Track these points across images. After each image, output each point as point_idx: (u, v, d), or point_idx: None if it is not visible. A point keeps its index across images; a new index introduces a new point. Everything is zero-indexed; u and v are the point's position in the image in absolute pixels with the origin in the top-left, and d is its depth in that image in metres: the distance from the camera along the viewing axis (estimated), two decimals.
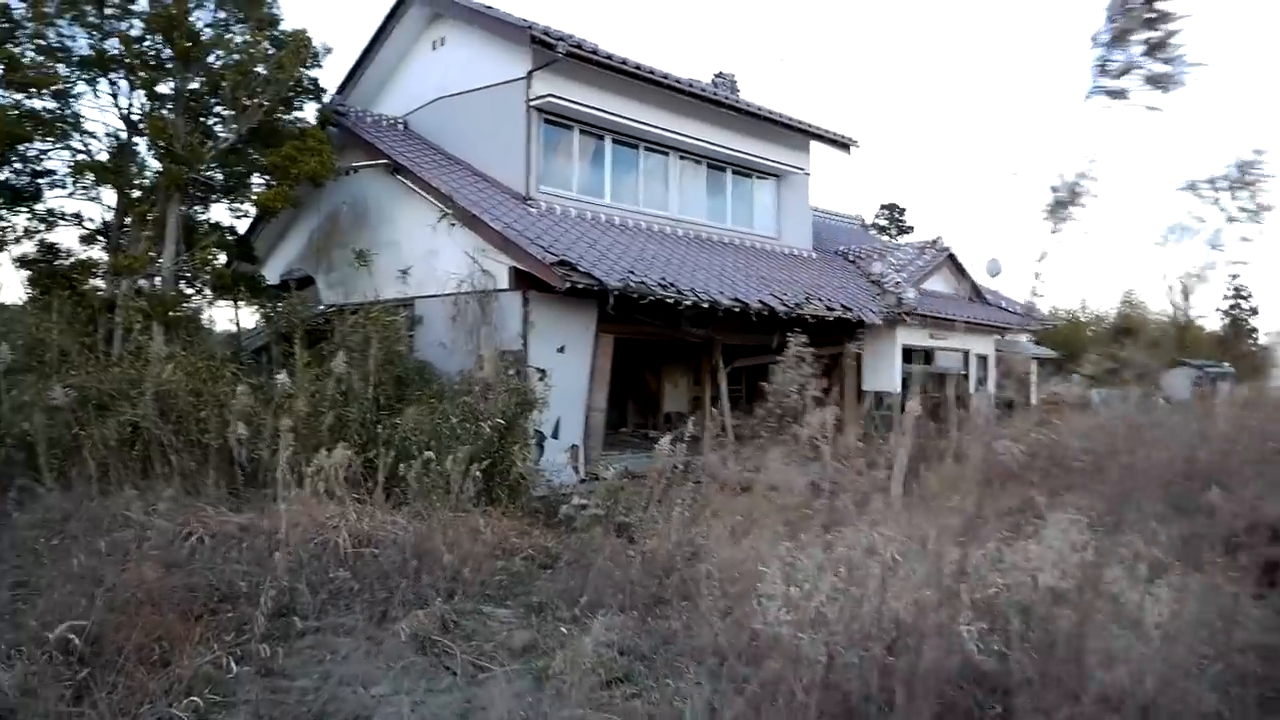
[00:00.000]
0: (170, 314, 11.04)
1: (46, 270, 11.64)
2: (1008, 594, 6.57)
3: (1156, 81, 2.04)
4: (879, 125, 77.04)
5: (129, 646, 4.18)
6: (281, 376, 8.36)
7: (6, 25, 10.77)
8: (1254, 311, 52.86)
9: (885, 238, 35.16)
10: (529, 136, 13.13)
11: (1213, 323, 52.82)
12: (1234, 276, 50.99)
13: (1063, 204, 2.14)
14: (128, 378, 9.26)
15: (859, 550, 6.93)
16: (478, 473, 8.48)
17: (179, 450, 9.03)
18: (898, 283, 16.11)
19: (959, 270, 18.78)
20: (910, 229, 49.11)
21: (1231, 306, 52.96)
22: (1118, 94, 2.10)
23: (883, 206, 50.42)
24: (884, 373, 15.94)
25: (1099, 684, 4.52)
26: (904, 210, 50.96)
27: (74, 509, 7.64)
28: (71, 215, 11.95)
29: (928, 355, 16.93)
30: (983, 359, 18.11)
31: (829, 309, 13.85)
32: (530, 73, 12.93)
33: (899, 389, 15.83)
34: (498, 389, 10.22)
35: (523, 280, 11.15)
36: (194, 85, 11.42)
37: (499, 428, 9.64)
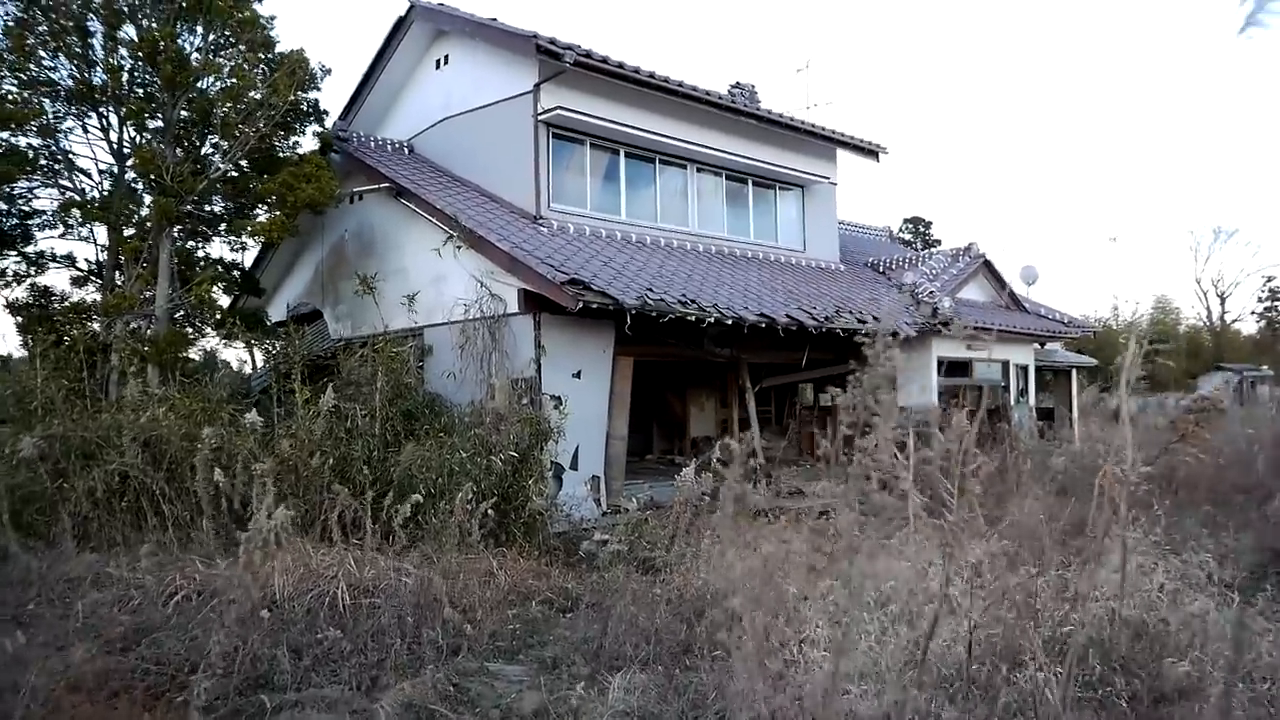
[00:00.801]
0: (165, 355, 10.48)
1: (39, 315, 11.15)
2: (1080, 629, 5.74)
3: None
4: (902, 137, 76.25)
5: None
6: (250, 415, 7.70)
7: None
8: None
9: (912, 252, 34.28)
10: (538, 152, 12.52)
11: (1249, 325, 51.50)
12: (1269, 279, 49.97)
13: None
14: (114, 424, 8.69)
15: (909, 583, 6.14)
16: (489, 510, 7.78)
17: (171, 500, 8.41)
18: (931, 292, 15.29)
19: (995, 277, 17.91)
20: (937, 242, 48.17)
21: (1267, 309, 51.57)
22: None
23: (906, 220, 49.50)
24: (920, 387, 15.09)
25: None
26: (930, 223, 50.02)
27: (49, 569, 7.04)
28: (63, 257, 11.47)
29: (965, 367, 16.06)
30: (1023, 369, 17.21)
31: (860, 322, 13.06)
32: (537, 85, 12.35)
33: (936, 403, 14.97)
34: (510, 420, 9.55)
35: (533, 303, 10.49)
36: (184, 113, 10.93)
37: (512, 461, 8.95)
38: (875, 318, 13.46)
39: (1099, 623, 5.60)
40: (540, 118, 12.47)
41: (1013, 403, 16.51)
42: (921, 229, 49.81)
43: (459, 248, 11.16)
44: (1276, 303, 51.87)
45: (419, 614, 6.41)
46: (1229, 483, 10.99)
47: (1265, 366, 40.60)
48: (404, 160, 13.84)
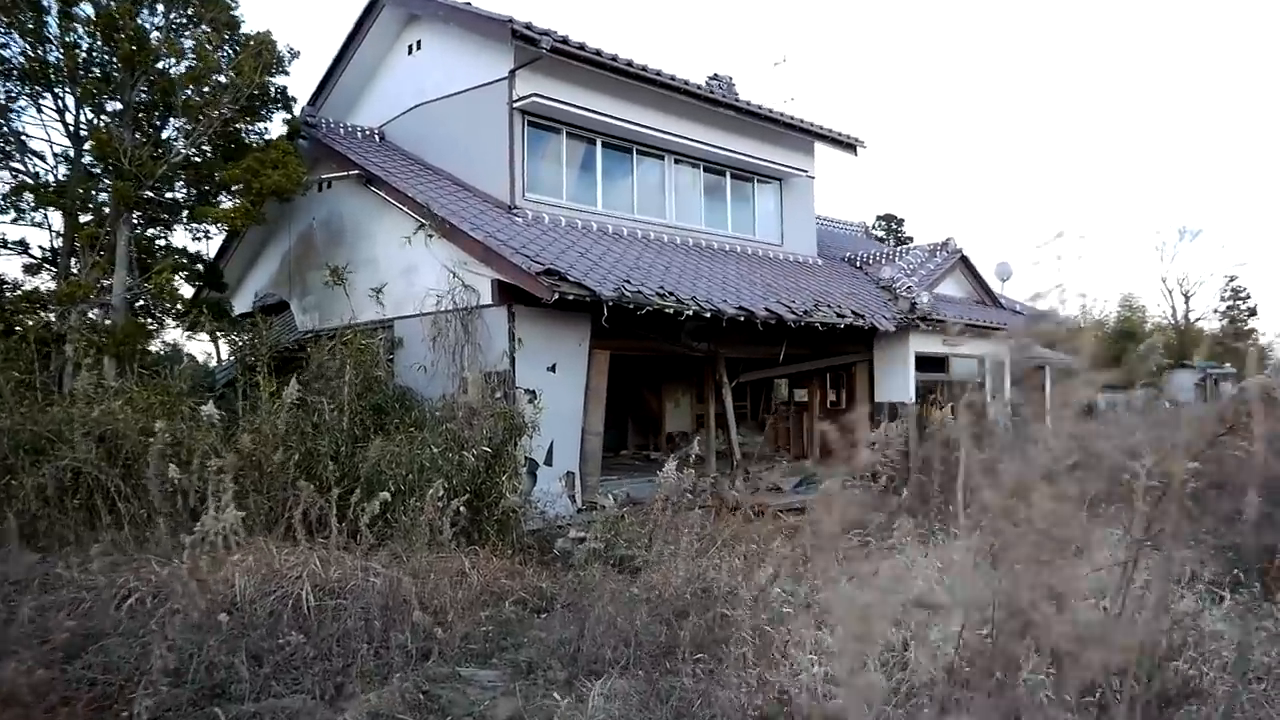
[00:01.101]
0: (123, 346, 10.06)
1: None
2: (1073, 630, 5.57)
3: None
4: (874, 134, 76.38)
5: None
6: (208, 409, 7.35)
7: None
8: (1252, 312, 52.31)
9: (888, 247, 34.23)
10: (513, 141, 12.20)
11: (1212, 324, 52.27)
12: (1231, 278, 50.79)
13: None
14: (66, 418, 8.29)
15: (891, 582, 5.93)
16: (461, 508, 7.49)
17: (127, 497, 8.02)
18: (909, 287, 15.16)
19: (972, 273, 17.82)
20: (909, 239, 48.25)
21: (1229, 307, 52.36)
22: None
23: (879, 217, 49.55)
24: (897, 382, 14.96)
25: None
26: (902, 220, 50.11)
27: None
28: (15, 243, 10.99)
29: (942, 363, 15.94)
30: (999, 365, 17.12)
31: (840, 316, 12.89)
32: (512, 72, 12.02)
33: (914, 399, 14.86)
34: (483, 414, 9.25)
35: (507, 294, 10.19)
36: (143, 95, 10.50)
37: (485, 457, 8.66)
38: (855, 312, 13.30)
39: (1090, 624, 5.46)
40: (515, 105, 12.15)
41: (989, 399, 16.41)
42: (894, 226, 49.91)
43: (431, 237, 10.85)
44: (1238, 302, 52.70)
45: (387, 616, 6.12)
46: (1203, 477, 10.96)
47: (1228, 364, 41.21)
48: (375, 148, 13.47)
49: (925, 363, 15.23)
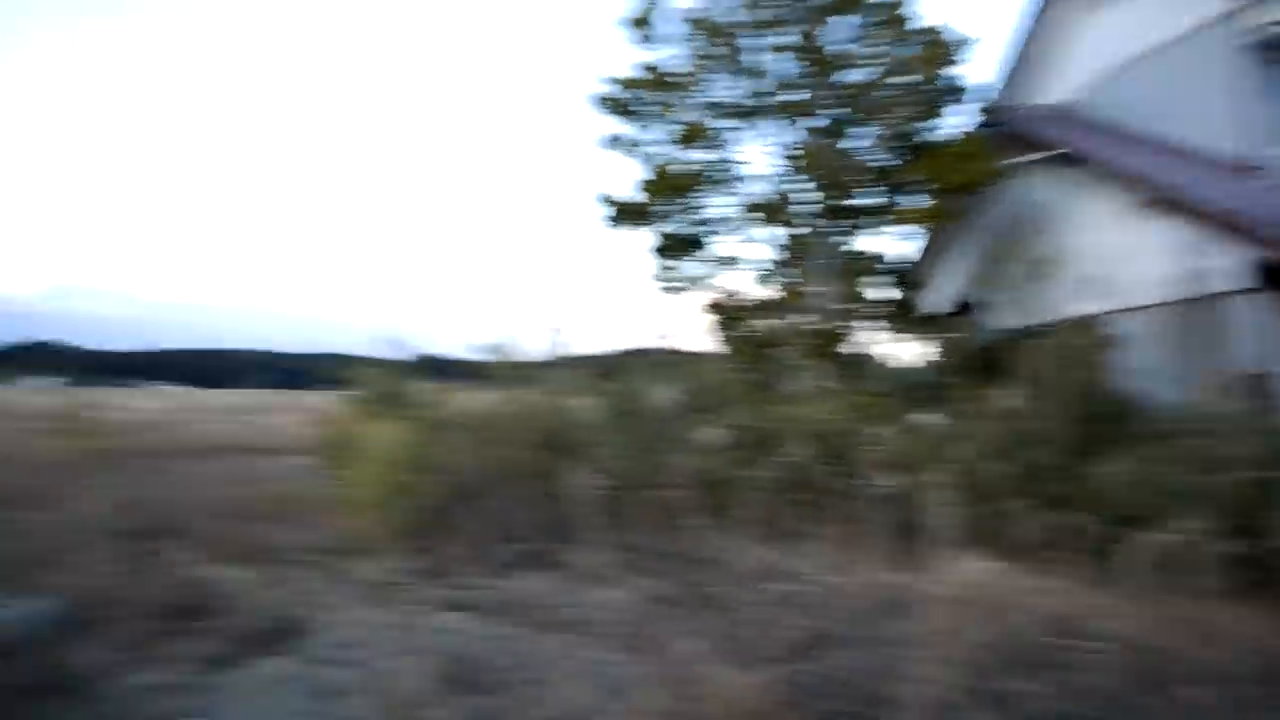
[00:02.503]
0: (826, 349, 10.51)
1: (726, 315, 12.08)
2: None
3: None
4: None
5: None
6: (923, 416, 6.96)
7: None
8: None
9: None
10: (1244, 86, 9.88)
11: None
12: None
13: None
14: (787, 416, 8.79)
15: None
16: (1222, 546, 6.02)
17: (835, 496, 8.18)
18: None
19: None
20: None
21: None
22: None
23: None
24: None
25: None
26: None
27: (726, 553, 7.18)
28: (727, 258, 12.31)
29: None
30: None
31: None
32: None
33: None
34: (1236, 427, 7.46)
35: (1265, 278, 8.17)
36: (833, 106, 10.90)
37: (1249, 483, 6.91)
38: None
39: None
40: (1246, 41, 9.83)
41: None
42: None
43: (1148, 215, 9.27)
44: None
45: (1138, 676, 5.03)
46: None
47: None
48: (1066, 123, 12.15)
49: None
